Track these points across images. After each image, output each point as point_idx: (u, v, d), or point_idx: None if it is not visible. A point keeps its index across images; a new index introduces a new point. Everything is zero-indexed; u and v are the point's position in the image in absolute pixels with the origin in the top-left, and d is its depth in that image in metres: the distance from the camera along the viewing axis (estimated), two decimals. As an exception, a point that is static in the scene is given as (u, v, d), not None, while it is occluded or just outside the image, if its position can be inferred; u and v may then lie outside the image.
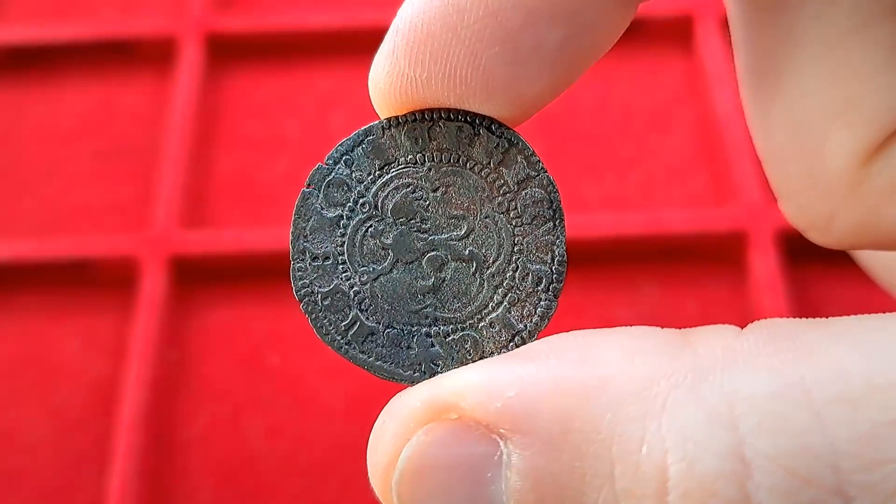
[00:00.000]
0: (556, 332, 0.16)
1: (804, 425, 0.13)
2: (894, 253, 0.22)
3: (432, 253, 0.17)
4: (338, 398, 0.33)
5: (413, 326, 0.17)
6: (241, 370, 0.34)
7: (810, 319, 0.15)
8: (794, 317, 0.15)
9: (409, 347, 0.17)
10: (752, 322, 0.15)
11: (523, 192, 0.17)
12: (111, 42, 0.42)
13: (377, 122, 0.17)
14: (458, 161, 0.17)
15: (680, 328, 0.15)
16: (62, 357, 0.34)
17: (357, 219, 0.17)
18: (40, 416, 0.33)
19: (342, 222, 0.17)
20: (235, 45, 0.42)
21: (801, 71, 0.17)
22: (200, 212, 0.37)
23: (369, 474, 0.16)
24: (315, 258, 0.17)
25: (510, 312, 0.17)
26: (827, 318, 0.14)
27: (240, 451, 0.32)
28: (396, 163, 0.17)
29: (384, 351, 0.17)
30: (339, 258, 0.17)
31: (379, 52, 0.17)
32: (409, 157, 0.17)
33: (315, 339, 0.35)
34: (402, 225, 0.17)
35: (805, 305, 0.33)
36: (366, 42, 0.37)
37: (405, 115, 0.17)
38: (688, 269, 0.35)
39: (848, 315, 0.14)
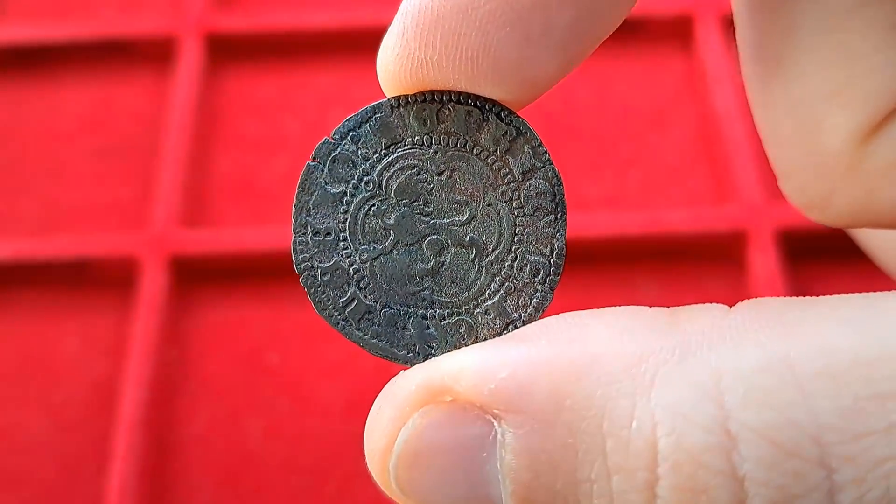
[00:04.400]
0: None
1: (788, 399, 0.13)
2: (892, 231, 0.22)
3: (433, 236, 0.17)
4: (337, 398, 0.33)
5: (410, 308, 0.17)
6: (241, 370, 0.34)
7: (798, 298, 0.15)
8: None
9: (404, 328, 0.17)
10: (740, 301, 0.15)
11: (527, 183, 0.17)
12: (111, 42, 0.42)
13: (386, 99, 0.17)
14: (464, 146, 0.17)
15: (663, 307, 0.16)
16: (62, 357, 0.34)
17: (360, 196, 0.17)
18: (40, 416, 0.33)
19: (345, 199, 0.17)
20: (235, 45, 0.42)
21: (801, 50, 0.18)
22: (200, 211, 0.37)
23: (367, 459, 0.16)
24: (317, 233, 0.17)
25: (506, 301, 0.17)
26: (814, 297, 0.15)
27: (239, 451, 0.32)
28: (403, 143, 0.17)
29: (380, 329, 0.17)
30: (341, 235, 0.17)
31: (388, 34, 0.17)
32: (417, 138, 0.17)
33: (314, 338, 0.35)
34: (404, 206, 0.17)
35: (805, 305, 0.33)
36: (366, 41, 0.37)
37: (414, 95, 0.17)
38: (687, 269, 0.35)
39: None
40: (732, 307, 0.15)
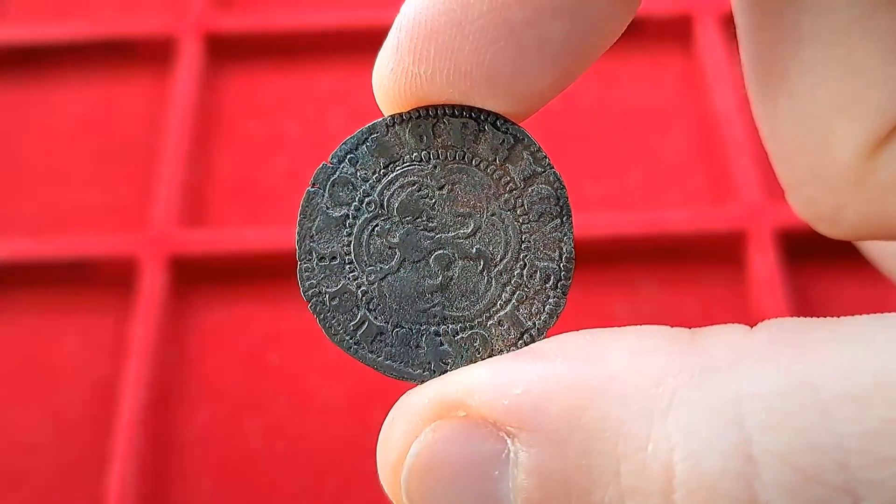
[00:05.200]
0: (558, 333, 0.16)
1: (812, 423, 0.13)
2: None
3: (439, 251, 0.17)
4: (337, 397, 0.33)
5: (422, 325, 0.17)
6: (241, 370, 0.34)
7: (819, 318, 0.14)
8: (794, 316, 0.15)
9: (418, 346, 0.17)
10: (759, 321, 0.15)
11: (530, 189, 0.17)
12: (110, 42, 0.42)
13: (381, 119, 0.17)
14: (463, 158, 0.17)
15: (685, 328, 0.15)
16: (62, 357, 0.34)
17: (363, 218, 0.17)
18: (40, 416, 0.33)
19: (348, 222, 0.17)
20: (235, 45, 0.42)
21: (806, 63, 0.17)
22: (200, 211, 0.37)
23: (378, 471, 0.16)
24: (322, 258, 0.17)
25: (519, 310, 0.17)
26: (837, 317, 0.14)
27: (239, 451, 0.32)
28: (401, 161, 0.17)
29: (393, 350, 0.17)
30: (346, 258, 0.17)
31: (382, 49, 0.17)
32: (415, 154, 0.17)
33: (314, 338, 0.35)
34: (408, 224, 0.17)
35: (804, 305, 0.33)
36: (366, 42, 0.37)
37: (409, 112, 0.17)
38: (687, 269, 0.35)
39: (849, 313, 0.14)
40: (753, 327, 0.15)
